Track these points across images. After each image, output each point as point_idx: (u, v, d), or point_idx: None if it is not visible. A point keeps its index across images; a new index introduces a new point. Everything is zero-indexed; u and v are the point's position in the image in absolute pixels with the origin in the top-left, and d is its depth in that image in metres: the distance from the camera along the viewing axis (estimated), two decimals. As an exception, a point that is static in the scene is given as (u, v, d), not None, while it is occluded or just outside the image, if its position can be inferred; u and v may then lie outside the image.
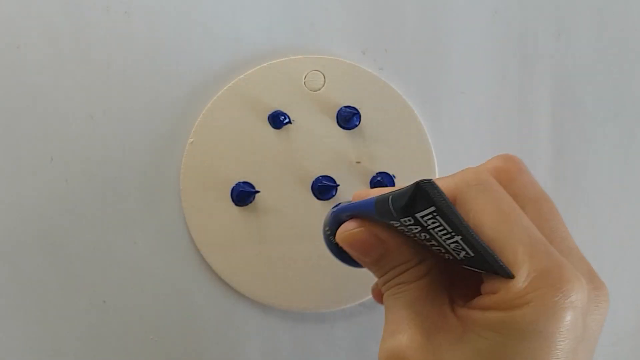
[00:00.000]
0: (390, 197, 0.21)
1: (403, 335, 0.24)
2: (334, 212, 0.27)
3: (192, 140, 0.32)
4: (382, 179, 0.32)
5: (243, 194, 0.32)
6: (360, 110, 0.32)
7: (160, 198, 0.32)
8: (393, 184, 0.32)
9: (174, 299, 0.33)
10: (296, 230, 0.32)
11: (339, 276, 0.32)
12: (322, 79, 0.33)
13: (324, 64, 0.33)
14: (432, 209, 0.20)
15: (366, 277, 0.32)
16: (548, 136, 0.34)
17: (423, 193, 0.20)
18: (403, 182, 0.32)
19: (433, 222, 0.21)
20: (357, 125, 0.32)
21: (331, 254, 0.27)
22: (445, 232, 0.21)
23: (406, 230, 0.23)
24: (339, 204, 0.26)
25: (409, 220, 0.21)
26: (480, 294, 0.23)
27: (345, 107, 0.32)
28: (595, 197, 0.34)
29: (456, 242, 0.22)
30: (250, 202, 0.32)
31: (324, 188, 0.32)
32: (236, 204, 0.32)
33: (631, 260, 0.35)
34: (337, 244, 0.26)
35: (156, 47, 0.32)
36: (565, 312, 0.21)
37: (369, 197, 0.24)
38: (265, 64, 0.33)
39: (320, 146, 0.32)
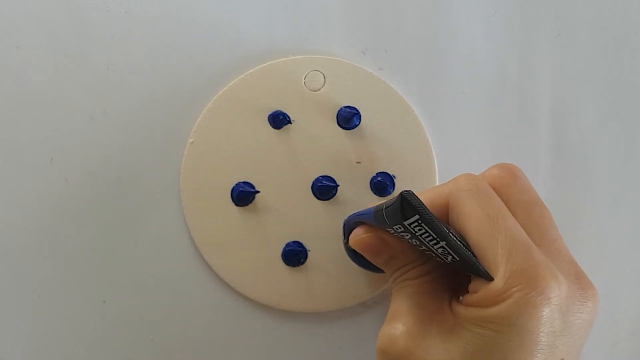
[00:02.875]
0: (384, 206, 0.24)
1: (399, 322, 0.26)
2: (345, 220, 0.30)
3: (192, 140, 0.32)
4: (382, 179, 0.32)
5: (243, 194, 0.32)
6: (360, 110, 0.32)
7: (160, 198, 0.32)
8: (393, 184, 0.32)
9: (174, 299, 0.33)
10: (296, 230, 0.32)
11: (339, 276, 0.32)
12: (322, 79, 0.33)
13: (324, 64, 0.33)
14: (417, 217, 0.22)
15: (366, 278, 0.32)
16: (548, 136, 0.34)
17: (406, 202, 0.22)
18: (403, 182, 0.32)
19: (419, 229, 0.23)
20: (357, 125, 0.32)
21: (351, 261, 0.31)
22: (431, 238, 0.23)
23: (399, 236, 0.25)
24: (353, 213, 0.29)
25: (400, 228, 0.23)
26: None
27: (345, 107, 0.32)
28: (595, 197, 0.34)
29: (442, 247, 0.24)
30: (250, 202, 0.32)
31: (324, 188, 0.32)
32: (236, 204, 0.32)
33: (631, 260, 0.35)
34: (353, 250, 0.29)
35: (156, 47, 0.32)
36: (539, 307, 0.23)
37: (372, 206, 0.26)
38: (265, 64, 0.33)
39: (320, 146, 0.32)
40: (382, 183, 0.32)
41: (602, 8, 0.34)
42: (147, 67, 0.32)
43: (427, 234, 0.23)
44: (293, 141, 0.32)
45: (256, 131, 0.32)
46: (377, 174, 0.32)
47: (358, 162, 0.32)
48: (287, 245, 0.32)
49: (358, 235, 0.28)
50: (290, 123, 0.32)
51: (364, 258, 0.29)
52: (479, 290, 0.24)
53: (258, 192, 0.32)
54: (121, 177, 0.32)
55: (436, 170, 0.33)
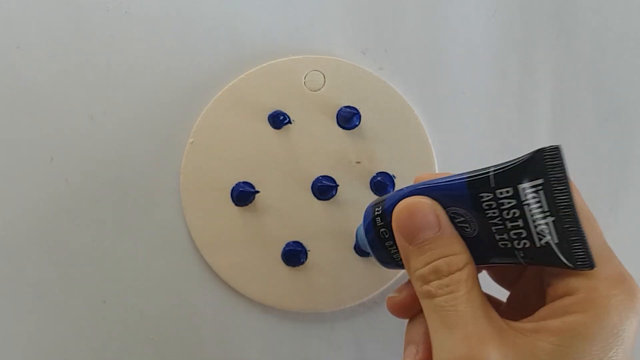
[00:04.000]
0: (494, 167, 0.21)
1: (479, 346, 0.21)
2: (399, 191, 0.25)
3: (192, 140, 0.32)
4: (382, 179, 0.32)
5: (243, 194, 0.32)
6: (360, 110, 0.32)
7: (160, 198, 0.32)
8: (393, 184, 0.32)
9: (173, 299, 0.33)
10: (296, 230, 0.32)
11: (339, 276, 0.32)
12: (322, 79, 0.33)
13: (324, 64, 0.33)
14: (541, 181, 0.19)
15: (366, 277, 0.32)
16: (548, 136, 0.34)
17: (538, 162, 0.19)
18: (403, 182, 0.32)
19: (533, 197, 0.20)
20: (357, 125, 0.32)
21: (364, 244, 0.26)
22: (540, 210, 0.20)
23: (491, 206, 0.21)
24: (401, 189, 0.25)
25: (507, 192, 0.20)
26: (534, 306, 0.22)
27: (345, 107, 0.32)
28: (595, 197, 0.34)
29: (546, 224, 0.21)
30: (250, 202, 0.32)
31: (324, 188, 0.32)
32: (236, 204, 0.32)
33: (631, 260, 0.35)
34: (379, 231, 0.25)
35: (156, 47, 0.32)
36: (637, 318, 0.21)
37: (440, 177, 0.23)
38: (265, 64, 0.33)
39: (320, 146, 0.32)
40: (382, 183, 0.32)
41: (602, 8, 0.34)
42: (147, 67, 0.32)
43: (538, 205, 0.20)
44: (293, 141, 0.32)
45: (256, 131, 0.32)
46: (377, 174, 0.32)
47: (358, 162, 0.32)
48: (287, 245, 0.32)
49: (412, 201, 0.23)
50: (290, 123, 0.32)
51: (381, 244, 0.25)
52: (577, 292, 0.21)
53: (258, 192, 0.32)
54: (121, 177, 0.32)
55: (436, 170, 0.33)
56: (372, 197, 0.32)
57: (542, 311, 0.22)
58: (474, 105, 0.34)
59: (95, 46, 0.32)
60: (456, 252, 0.22)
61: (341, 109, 0.32)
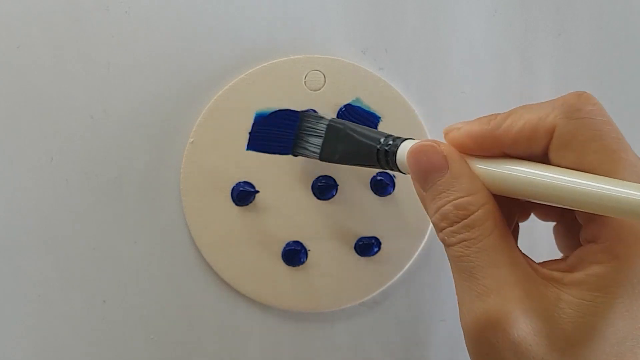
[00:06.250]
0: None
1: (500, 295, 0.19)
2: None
3: (192, 140, 0.32)
4: (382, 179, 0.32)
5: (243, 194, 0.32)
6: (360, 110, 0.32)
7: (160, 198, 0.32)
8: (393, 184, 0.32)
9: (174, 299, 0.33)
10: (296, 230, 0.32)
11: (339, 276, 0.32)
12: (322, 79, 0.33)
13: (324, 64, 0.33)
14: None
15: (366, 277, 0.32)
16: (548, 136, 0.34)
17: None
18: (403, 181, 0.32)
19: None
20: (357, 125, 0.32)
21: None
22: None
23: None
24: None
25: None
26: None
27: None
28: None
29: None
30: (250, 202, 0.32)
31: (324, 188, 0.32)
32: (236, 204, 0.32)
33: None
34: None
35: (156, 47, 0.32)
36: None
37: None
38: (265, 64, 0.32)
39: (320, 146, 0.32)
40: (382, 183, 0.32)
41: (603, 8, 0.34)
42: (148, 67, 0.32)
43: None
44: (293, 141, 0.32)
45: (256, 131, 0.32)
46: (377, 173, 0.32)
47: (358, 162, 0.32)
48: (287, 245, 0.32)
49: (417, 144, 0.22)
50: (291, 123, 0.32)
51: None
52: (602, 240, 0.20)
53: (258, 192, 0.32)
54: (121, 177, 0.32)
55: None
56: (372, 197, 0.32)
57: (572, 258, 0.20)
58: (475, 105, 0.34)
59: (95, 46, 0.32)
60: (468, 193, 0.20)
61: (341, 108, 0.32)
